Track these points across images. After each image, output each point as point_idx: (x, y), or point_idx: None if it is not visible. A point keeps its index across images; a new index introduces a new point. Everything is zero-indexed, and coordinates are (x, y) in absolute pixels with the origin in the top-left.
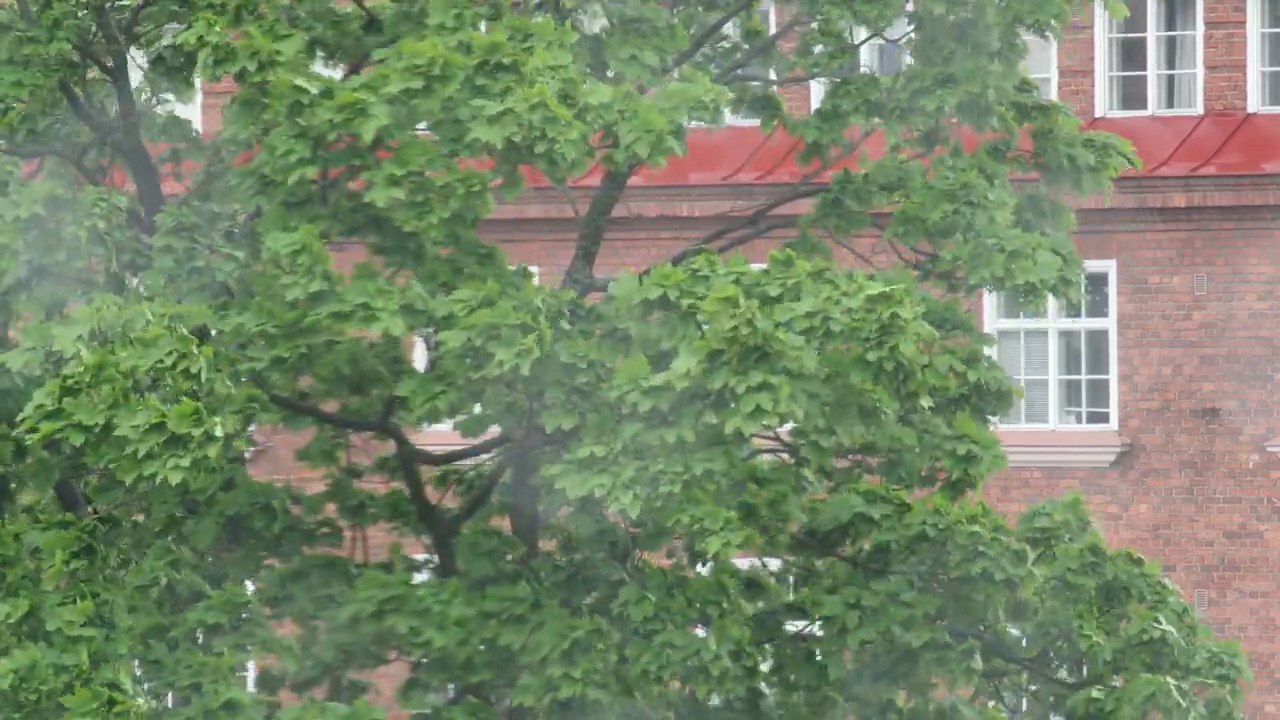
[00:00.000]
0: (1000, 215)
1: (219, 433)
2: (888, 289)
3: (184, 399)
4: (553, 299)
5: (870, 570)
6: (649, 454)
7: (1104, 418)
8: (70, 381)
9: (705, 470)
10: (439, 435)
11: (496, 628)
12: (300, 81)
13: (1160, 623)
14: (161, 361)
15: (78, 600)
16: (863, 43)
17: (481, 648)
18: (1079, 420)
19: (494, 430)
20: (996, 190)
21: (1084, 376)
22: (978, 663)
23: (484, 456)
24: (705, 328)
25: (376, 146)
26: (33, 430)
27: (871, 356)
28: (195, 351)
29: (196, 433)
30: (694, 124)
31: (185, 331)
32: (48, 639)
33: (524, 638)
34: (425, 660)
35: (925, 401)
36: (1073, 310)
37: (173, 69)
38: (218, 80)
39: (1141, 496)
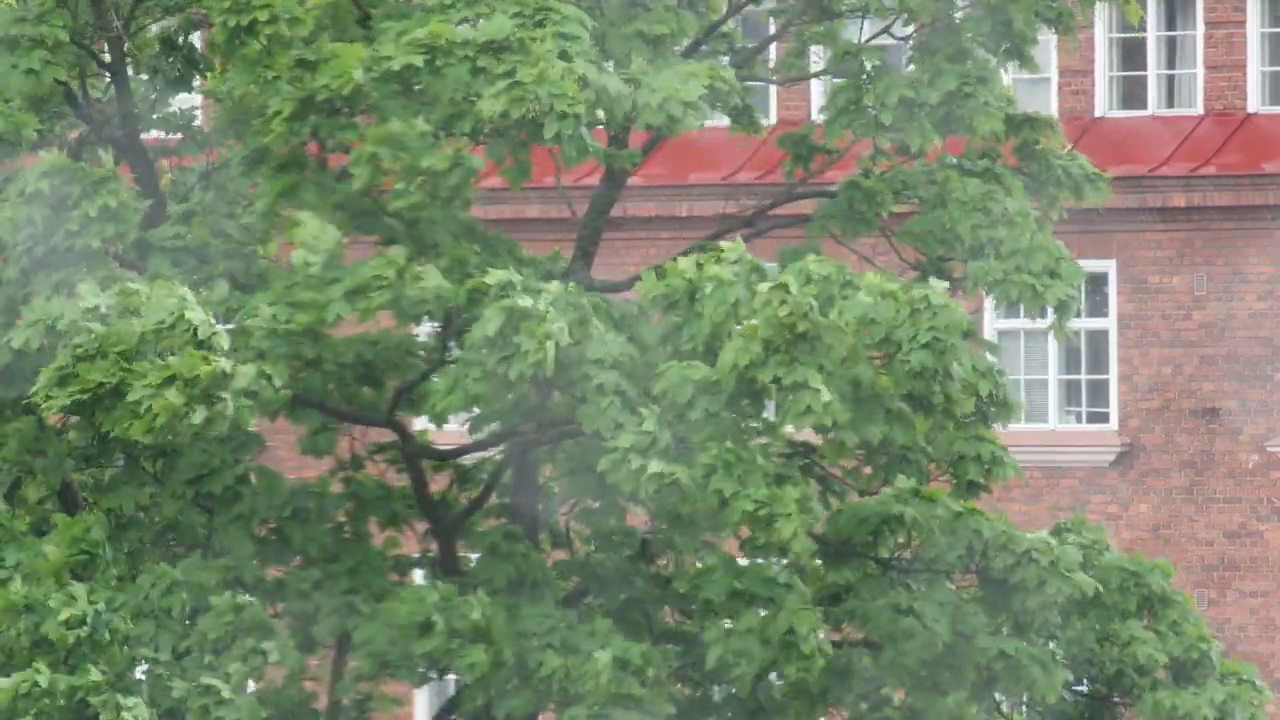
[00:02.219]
0: (1024, 225)
1: (231, 371)
2: (939, 297)
3: (189, 351)
4: (575, 295)
5: (902, 572)
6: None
7: (1104, 418)
8: (80, 350)
9: (757, 455)
10: (443, 432)
11: (536, 650)
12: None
13: (1206, 640)
14: (163, 321)
15: (73, 600)
16: (874, 36)
17: (515, 677)
18: (1079, 420)
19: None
20: (1018, 201)
21: (1084, 376)
22: (1061, 673)
23: (489, 452)
24: (754, 318)
25: (354, 103)
26: (49, 398)
27: (915, 360)
28: (194, 308)
29: (204, 372)
30: (705, 124)
31: (186, 296)
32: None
33: (565, 664)
34: (465, 682)
35: (965, 409)
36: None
37: (178, 57)
38: (232, 36)
39: (1141, 496)
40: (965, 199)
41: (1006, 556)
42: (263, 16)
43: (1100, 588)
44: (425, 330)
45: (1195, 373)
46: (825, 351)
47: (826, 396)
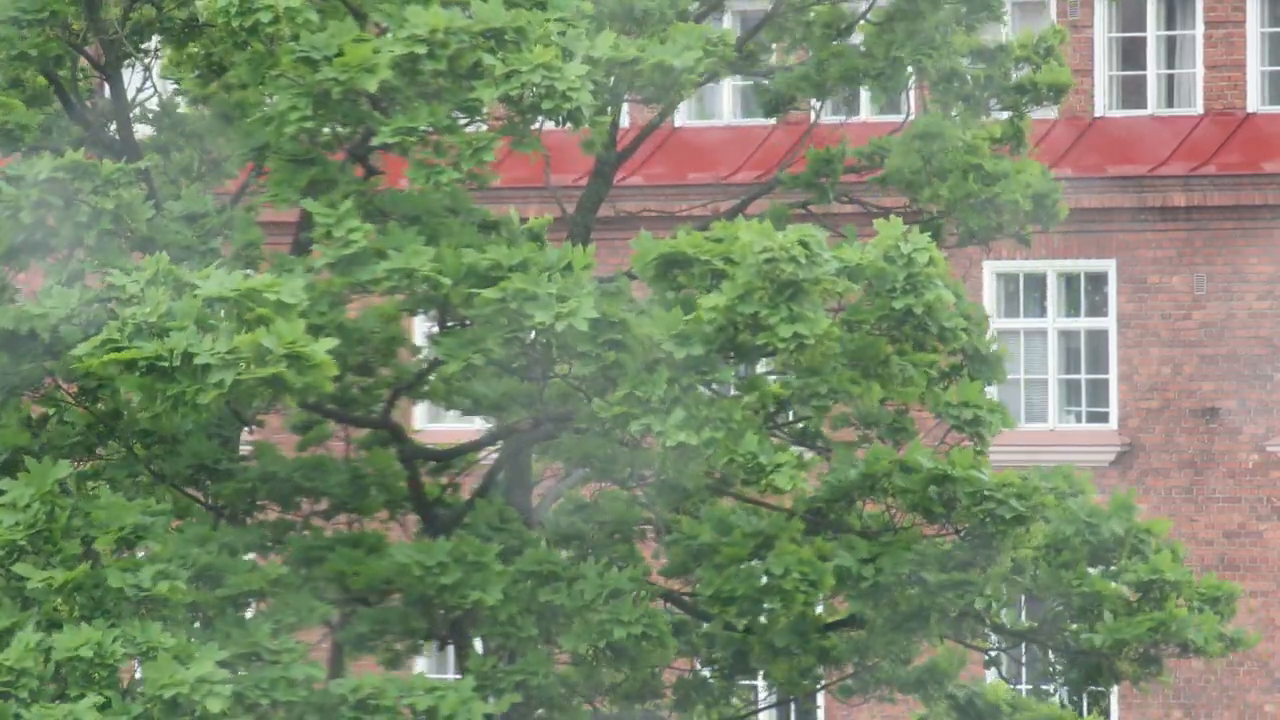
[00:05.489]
0: (982, 148)
1: (322, 353)
2: (915, 241)
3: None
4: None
5: (884, 543)
6: (689, 402)
7: (1104, 417)
8: (136, 319)
9: (745, 416)
10: (439, 431)
11: (533, 588)
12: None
13: (1160, 570)
14: (236, 288)
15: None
16: (860, 17)
17: (517, 611)
18: (1079, 420)
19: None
20: (974, 129)
21: (1084, 376)
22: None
23: (484, 451)
24: (736, 264)
25: (378, 105)
26: (92, 367)
27: (899, 304)
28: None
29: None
30: (698, 122)
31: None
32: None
33: (563, 595)
34: (469, 621)
35: (935, 358)
36: (1072, 311)
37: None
38: (238, 36)
39: (1141, 496)
40: (931, 132)
41: (965, 498)
42: (265, 18)
43: (1068, 530)
44: (420, 334)
45: (1195, 372)
46: (813, 294)
47: (825, 323)
